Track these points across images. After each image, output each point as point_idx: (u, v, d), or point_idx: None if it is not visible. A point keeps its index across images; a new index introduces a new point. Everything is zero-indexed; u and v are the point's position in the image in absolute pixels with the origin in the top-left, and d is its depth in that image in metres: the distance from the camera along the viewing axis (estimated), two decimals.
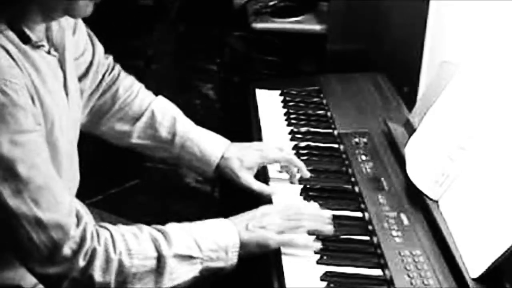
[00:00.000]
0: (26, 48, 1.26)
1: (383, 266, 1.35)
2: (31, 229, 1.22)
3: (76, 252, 1.26)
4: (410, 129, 1.66)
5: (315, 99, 1.96)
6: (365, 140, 1.72)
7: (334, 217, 1.49)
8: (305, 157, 1.70)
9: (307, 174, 1.63)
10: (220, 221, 1.41)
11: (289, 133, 1.80)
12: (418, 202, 1.49)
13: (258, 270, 1.51)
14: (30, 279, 1.38)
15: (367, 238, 1.44)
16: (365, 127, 1.78)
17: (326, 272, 1.34)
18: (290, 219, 1.43)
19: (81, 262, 1.26)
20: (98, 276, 1.28)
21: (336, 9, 2.22)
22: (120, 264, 1.29)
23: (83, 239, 1.27)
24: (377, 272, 1.35)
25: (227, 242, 1.37)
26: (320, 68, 2.27)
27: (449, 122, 1.51)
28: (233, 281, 1.68)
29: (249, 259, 1.41)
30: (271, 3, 2.47)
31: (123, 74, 1.68)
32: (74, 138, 1.48)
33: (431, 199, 1.47)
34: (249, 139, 1.75)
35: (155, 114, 1.65)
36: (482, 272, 1.26)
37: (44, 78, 1.29)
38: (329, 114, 1.87)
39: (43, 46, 1.31)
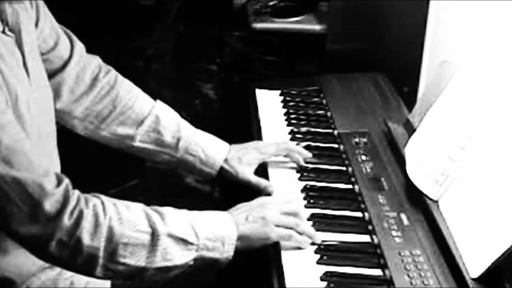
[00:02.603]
0: None
1: (383, 266, 1.35)
2: (7, 188, 1.21)
3: (59, 211, 1.24)
4: (410, 129, 1.66)
5: (315, 99, 1.96)
6: (365, 140, 1.72)
7: (334, 217, 1.49)
8: None
9: (309, 155, 1.66)
10: (218, 212, 1.41)
11: (289, 133, 1.80)
12: (418, 202, 1.49)
13: (258, 270, 1.51)
14: (27, 271, 1.38)
15: (367, 238, 1.44)
16: (365, 127, 1.78)
17: (326, 272, 1.34)
18: (289, 214, 1.43)
19: (67, 221, 1.24)
20: (86, 239, 1.26)
21: (336, 9, 2.21)
22: (110, 230, 1.28)
23: (66, 198, 1.25)
24: (377, 272, 1.35)
25: (225, 233, 1.37)
26: (320, 68, 2.27)
27: (449, 122, 1.51)
28: (233, 281, 1.68)
29: (249, 258, 1.41)
30: (271, 3, 2.47)
31: (120, 77, 1.67)
32: (50, 122, 1.46)
33: (431, 199, 1.47)
34: (249, 139, 1.75)
35: (159, 118, 1.65)
36: (482, 272, 1.26)
37: (1, 54, 1.28)
38: (329, 114, 1.87)
39: None
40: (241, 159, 1.65)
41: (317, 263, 1.37)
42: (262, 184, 1.61)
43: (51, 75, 1.54)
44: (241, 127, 1.71)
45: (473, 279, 1.27)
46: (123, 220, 1.30)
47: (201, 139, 1.66)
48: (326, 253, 1.39)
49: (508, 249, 1.23)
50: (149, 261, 1.31)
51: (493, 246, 1.25)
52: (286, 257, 1.39)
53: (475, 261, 1.28)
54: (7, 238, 1.35)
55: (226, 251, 1.36)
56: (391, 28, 2.10)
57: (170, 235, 1.32)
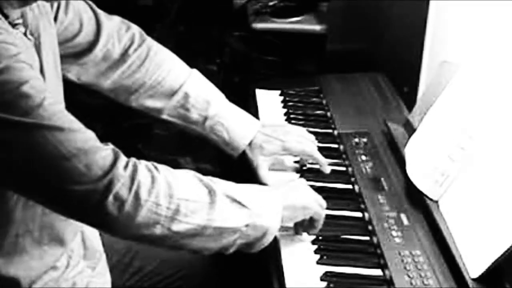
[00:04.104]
0: (6, 24, 1.26)
1: (383, 266, 1.35)
2: (55, 141, 1.18)
3: (113, 163, 1.22)
4: (410, 129, 1.66)
5: (314, 99, 1.96)
6: (365, 140, 1.72)
7: (334, 217, 1.49)
8: None
9: (327, 170, 1.64)
10: (259, 185, 1.40)
11: None
12: (418, 202, 1.49)
13: (258, 270, 1.51)
14: (35, 273, 1.38)
15: (367, 238, 1.44)
16: (365, 127, 1.78)
17: (326, 272, 1.34)
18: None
19: (122, 172, 1.21)
20: (144, 193, 1.22)
21: (336, 9, 2.22)
22: (168, 185, 1.26)
23: (116, 153, 1.24)
24: (377, 272, 1.35)
25: (271, 199, 1.36)
26: (320, 68, 2.27)
27: (449, 122, 1.51)
28: (233, 281, 1.68)
29: (249, 258, 1.40)
30: (271, 3, 2.47)
31: (153, 50, 1.65)
32: None
33: (431, 199, 1.47)
34: None
35: (189, 95, 1.64)
36: (482, 272, 1.26)
37: (23, 52, 1.27)
38: (329, 114, 1.87)
39: (19, 24, 1.30)
40: (263, 148, 1.63)
41: (317, 263, 1.37)
42: (264, 180, 1.60)
43: (77, 56, 1.56)
44: None
45: (473, 279, 1.27)
46: (178, 177, 1.29)
47: (228, 119, 1.64)
48: (326, 253, 1.39)
49: (508, 249, 1.23)
50: (210, 218, 1.28)
51: (493, 246, 1.25)
52: (286, 257, 1.39)
53: (475, 261, 1.28)
54: (27, 235, 1.35)
55: (274, 219, 1.34)
56: (391, 28, 2.10)
57: (226, 195, 1.31)
